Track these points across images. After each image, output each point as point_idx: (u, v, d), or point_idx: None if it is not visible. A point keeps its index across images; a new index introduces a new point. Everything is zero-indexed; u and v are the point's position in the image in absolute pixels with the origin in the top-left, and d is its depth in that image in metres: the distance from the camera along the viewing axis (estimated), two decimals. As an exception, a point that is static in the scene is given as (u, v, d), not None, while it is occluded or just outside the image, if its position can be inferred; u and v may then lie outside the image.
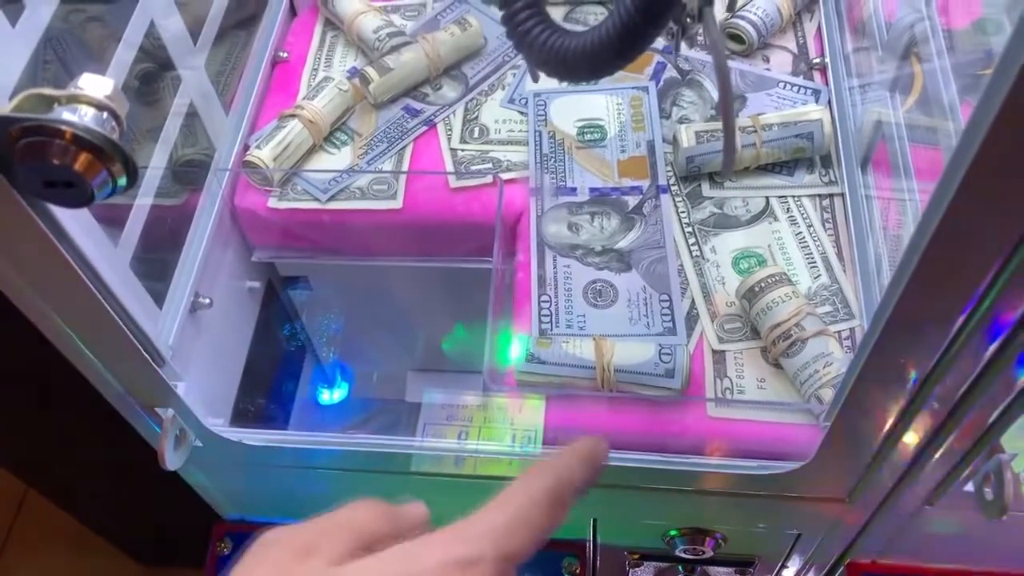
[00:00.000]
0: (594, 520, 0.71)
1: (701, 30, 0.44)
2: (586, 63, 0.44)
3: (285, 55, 0.86)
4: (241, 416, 0.78)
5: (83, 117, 0.38)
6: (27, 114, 0.37)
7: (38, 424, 1.12)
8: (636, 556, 0.75)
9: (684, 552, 0.70)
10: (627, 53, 0.43)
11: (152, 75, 0.77)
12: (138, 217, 0.63)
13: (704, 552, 0.70)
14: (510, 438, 0.66)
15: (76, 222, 0.50)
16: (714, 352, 0.65)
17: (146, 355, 0.54)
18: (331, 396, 0.99)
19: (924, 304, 0.41)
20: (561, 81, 0.46)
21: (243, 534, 0.78)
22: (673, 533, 0.70)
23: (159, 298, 0.65)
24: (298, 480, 0.71)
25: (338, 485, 0.71)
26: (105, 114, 0.39)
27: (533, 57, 0.45)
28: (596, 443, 0.46)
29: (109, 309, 0.49)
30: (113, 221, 0.61)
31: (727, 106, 0.47)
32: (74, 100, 0.39)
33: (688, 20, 0.45)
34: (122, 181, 0.40)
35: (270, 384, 0.89)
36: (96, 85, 0.39)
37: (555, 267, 0.70)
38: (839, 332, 0.65)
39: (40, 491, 1.35)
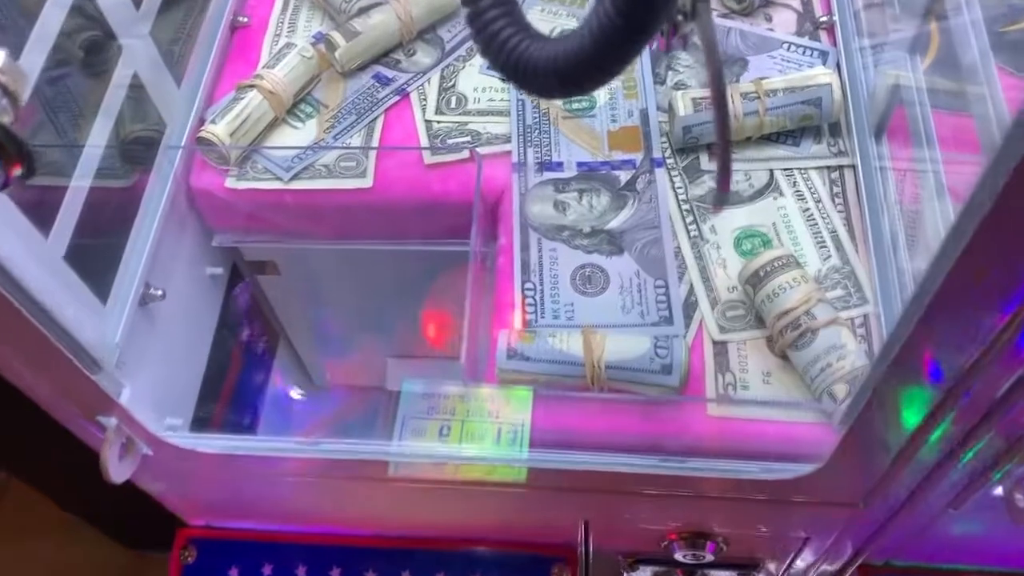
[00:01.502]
0: (585, 522, 0.66)
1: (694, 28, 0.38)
2: (557, 76, 0.37)
3: (245, 20, 0.79)
4: (205, 415, 0.72)
5: (-38, 96, 0.32)
6: None
7: (11, 409, 1.07)
8: (631, 560, 0.70)
9: (683, 556, 0.65)
10: (607, 65, 0.36)
11: (99, 44, 0.70)
12: (75, 203, 0.56)
13: (704, 556, 0.65)
14: (495, 434, 0.61)
15: (-13, 214, 0.44)
16: (715, 343, 0.60)
17: (78, 363, 0.48)
18: (304, 388, 0.93)
19: (968, 295, 0.36)
20: (531, 95, 0.40)
21: (209, 541, 0.72)
22: (671, 537, 0.64)
23: (104, 293, 0.59)
24: (265, 486, 0.65)
25: (310, 491, 0.66)
26: (-7, 91, 0.33)
27: (498, 65, 0.39)
28: None
29: (27, 315, 0.43)
30: (44, 208, 0.55)
31: (724, 125, 0.40)
32: (-48, 75, 0.32)
33: (680, 17, 0.38)
34: (16, 172, 0.33)
35: (238, 377, 0.83)
36: (-19, 56, 0.33)
37: (540, 251, 0.64)
38: (852, 319, 0.60)
39: (20, 478, 1.30)
